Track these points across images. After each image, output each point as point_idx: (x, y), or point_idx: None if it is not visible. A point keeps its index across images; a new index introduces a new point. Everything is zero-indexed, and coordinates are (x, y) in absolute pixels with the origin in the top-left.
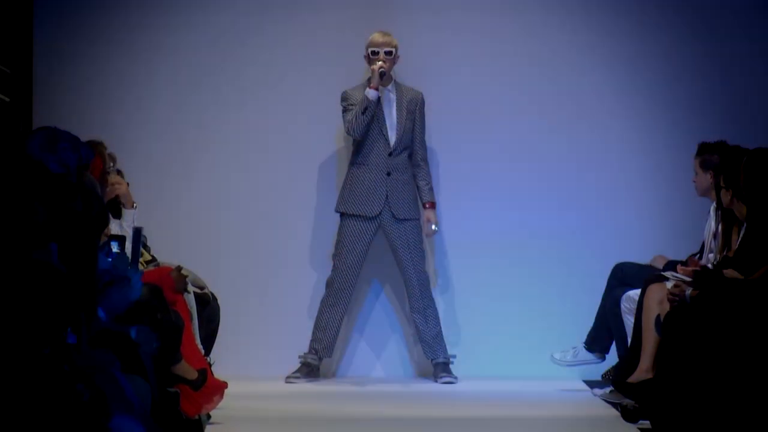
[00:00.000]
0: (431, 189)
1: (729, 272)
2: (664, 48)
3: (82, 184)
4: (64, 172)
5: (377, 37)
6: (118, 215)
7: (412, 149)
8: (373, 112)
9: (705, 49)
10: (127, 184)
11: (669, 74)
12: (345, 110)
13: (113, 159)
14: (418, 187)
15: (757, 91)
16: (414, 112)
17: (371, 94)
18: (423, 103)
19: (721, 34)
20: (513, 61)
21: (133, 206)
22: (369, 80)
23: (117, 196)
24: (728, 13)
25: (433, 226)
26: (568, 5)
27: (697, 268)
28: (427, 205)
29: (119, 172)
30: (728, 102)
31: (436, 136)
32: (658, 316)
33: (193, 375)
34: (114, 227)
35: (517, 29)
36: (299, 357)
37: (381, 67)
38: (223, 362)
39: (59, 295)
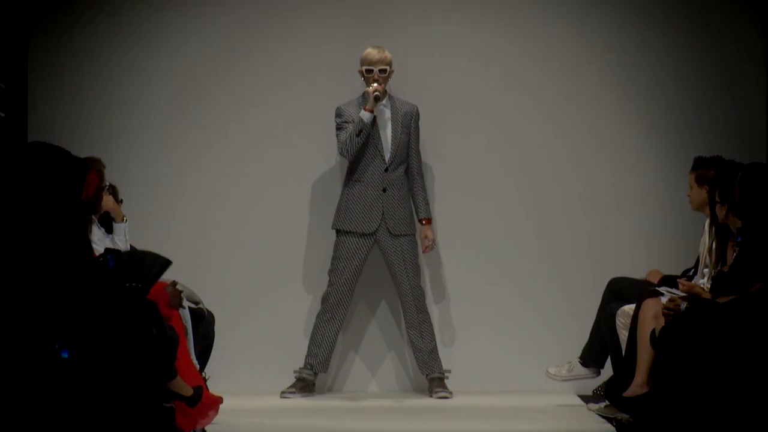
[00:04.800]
0: (427, 204)
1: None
2: (662, 62)
3: (76, 199)
4: (54, 185)
5: (371, 53)
6: (109, 230)
7: (408, 162)
8: (367, 134)
9: (704, 62)
10: (121, 201)
11: (666, 89)
12: (339, 127)
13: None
14: (414, 201)
15: (755, 105)
16: (409, 125)
17: (366, 116)
18: (418, 115)
19: (721, 47)
20: (508, 72)
21: (123, 219)
22: (363, 95)
23: (107, 212)
24: (729, 29)
25: (431, 243)
26: (564, 17)
27: (693, 293)
28: (423, 222)
29: (113, 188)
30: (725, 117)
31: (431, 148)
32: (653, 330)
33: (188, 392)
34: (107, 242)
35: (513, 39)
36: (294, 372)
37: (376, 90)
38: (218, 377)
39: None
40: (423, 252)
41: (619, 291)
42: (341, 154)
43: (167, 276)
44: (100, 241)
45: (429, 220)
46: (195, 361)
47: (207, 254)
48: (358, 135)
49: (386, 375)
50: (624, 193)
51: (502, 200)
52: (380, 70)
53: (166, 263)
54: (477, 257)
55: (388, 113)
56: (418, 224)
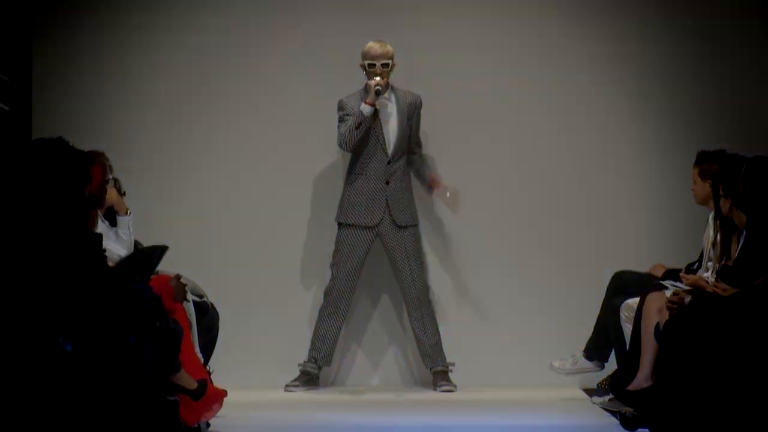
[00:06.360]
0: (431, 169)
1: (723, 288)
2: (664, 57)
3: (83, 194)
4: (59, 181)
5: (374, 48)
6: (113, 223)
7: (410, 149)
8: (366, 127)
9: (705, 57)
10: (124, 193)
11: (668, 83)
12: (340, 120)
13: (111, 169)
14: (421, 174)
15: (756, 100)
16: (412, 117)
17: (366, 110)
18: (421, 105)
19: (721, 43)
20: (511, 68)
21: (126, 213)
22: (365, 88)
23: (110, 205)
24: (729, 21)
25: (448, 193)
26: (567, 12)
27: (697, 286)
28: (435, 183)
29: (116, 181)
30: (728, 111)
31: (434, 141)
32: (657, 324)
33: (192, 385)
34: (111, 235)
35: (516, 34)
36: (298, 366)
37: (377, 84)
38: (222, 370)
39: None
40: (449, 203)
41: (624, 284)
42: (340, 146)
43: (171, 268)
44: (104, 235)
45: (435, 179)
46: (199, 355)
47: (210, 248)
48: (357, 128)
49: (390, 368)
50: (628, 187)
51: (506, 194)
52: (382, 64)
53: (163, 249)
54: (481, 250)
55: (391, 106)
56: (421, 215)
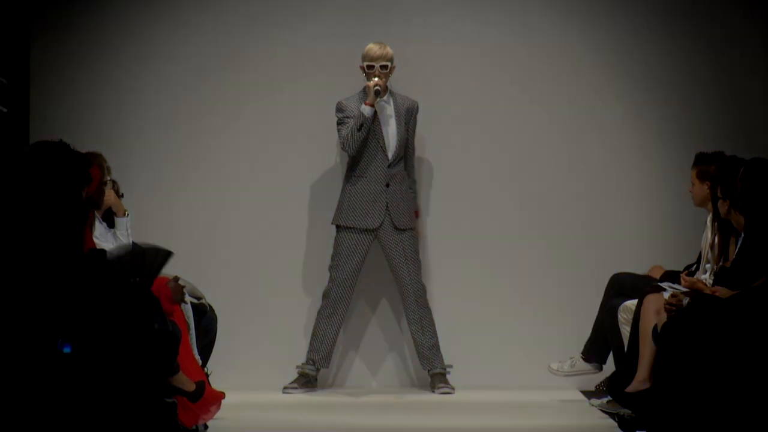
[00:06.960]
0: (417, 196)
1: (722, 291)
2: (663, 58)
3: (79, 195)
4: (57, 183)
5: (373, 49)
6: (111, 225)
7: (405, 157)
8: (368, 128)
9: (705, 59)
10: (122, 195)
11: (667, 84)
12: (340, 122)
13: (109, 171)
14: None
15: (755, 101)
16: (409, 121)
17: (366, 111)
18: (418, 110)
19: (720, 43)
20: (509, 67)
21: (124, 214)
22: (364, 89)
23: (108, 207)
24: (729, 23)
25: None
26: (566, 14)
27: (695, 288)
28: (416, 215)
29: (114, 183)
30: (727, 112)
31: (432, 143)
32: (655, 326)
33: (190, 387)
34: (109, 236)
35: (514, 36)
36: (297, 367)
37: (377, 84)
38: (220, 372)
39: (53, 304)
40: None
41: (622, 286)
42: (343, 149)
43: (169, 270)
44: (102, 236)
45: (417, 213)
46: (197, 357)
47: (208, 250)
48: (359, 129)
49: (388, 370)
50: (626, 189)
51: (503, 195)
52: (381, 66)
53: (167, 254)
54: (478, 252)
55: (389, 109)
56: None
